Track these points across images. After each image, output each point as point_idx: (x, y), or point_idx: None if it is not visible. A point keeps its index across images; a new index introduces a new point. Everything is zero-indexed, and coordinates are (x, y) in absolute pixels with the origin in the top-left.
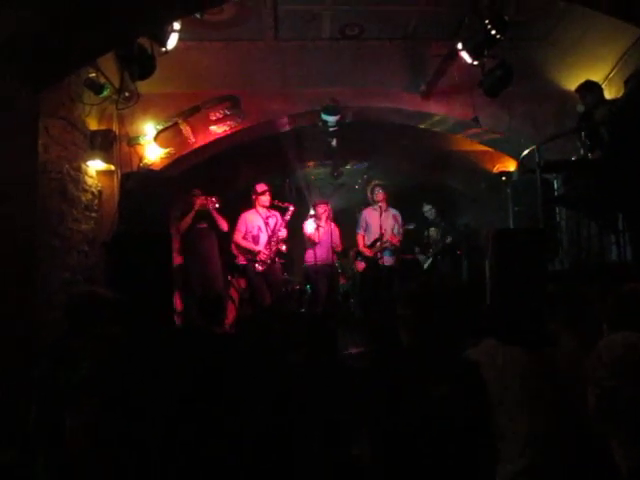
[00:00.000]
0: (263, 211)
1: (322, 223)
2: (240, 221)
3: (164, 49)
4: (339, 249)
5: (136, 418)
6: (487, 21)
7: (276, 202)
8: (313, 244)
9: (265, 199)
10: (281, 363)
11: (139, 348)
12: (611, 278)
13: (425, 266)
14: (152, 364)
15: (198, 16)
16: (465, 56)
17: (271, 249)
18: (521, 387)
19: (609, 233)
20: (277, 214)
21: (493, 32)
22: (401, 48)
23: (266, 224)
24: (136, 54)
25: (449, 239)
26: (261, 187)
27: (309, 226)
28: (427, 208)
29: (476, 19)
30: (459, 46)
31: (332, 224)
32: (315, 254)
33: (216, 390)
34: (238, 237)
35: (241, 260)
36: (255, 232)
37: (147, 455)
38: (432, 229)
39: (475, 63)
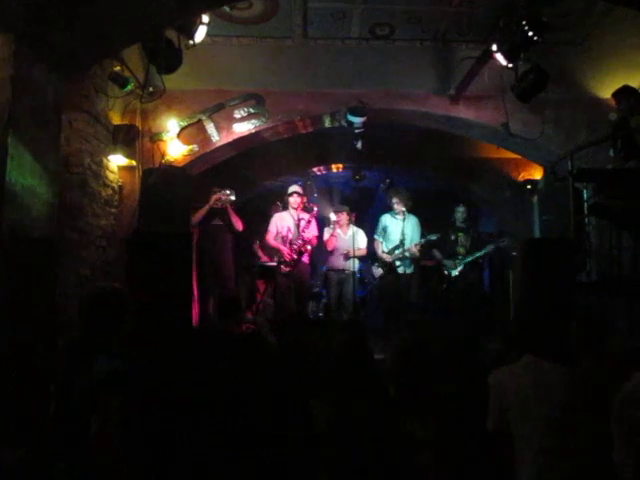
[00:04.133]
0: (295, 212)
1: (339, 231)
2: (272, 222)
3: (192, 42)
4: (361, 253)
5: (157, 416)
6: (524, 22)
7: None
8: (328, 251)
9: (293, 201)
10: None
11: (159, 347)
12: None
13: (454, 273)
14: (171, 364)
15: (227, 9)
16: (500, 58)
17: (292, 249)
18: (538, 413)
19: None
20: (308, 216)
21: (530, 33)
22: (431, 50)
23: (297, 225)
24: (163, 47)
25: (503, 242)
26: (291, 188)
27: (325, 233)
28: (461, 210)
29: (512, 20)
30: (494, 48)
31: (354, 229)
32: (329, 260)
33: (230, 391)
34: (269, 237)
35: (264, 260)
36: (284, 233)
37: (165, 454)
38: (460, 234)
39: (510, 66)
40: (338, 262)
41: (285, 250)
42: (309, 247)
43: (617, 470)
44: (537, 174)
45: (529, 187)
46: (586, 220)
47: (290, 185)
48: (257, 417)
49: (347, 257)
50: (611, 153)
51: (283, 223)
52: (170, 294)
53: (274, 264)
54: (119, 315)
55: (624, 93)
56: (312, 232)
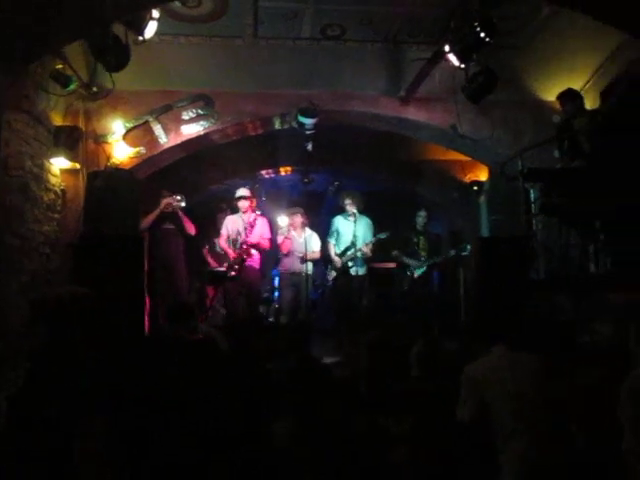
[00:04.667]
0: (245, 216)
1: (294, 233)
2: (224, 224)
3: (141, 38)
4: (314, 257)
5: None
6: (476, 23)
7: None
8: (282, 254)
9: (241, 205)
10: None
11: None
12: (587, 288)
13: (417, 274)
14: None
15: (178, 4)
16: (453, 59)
17: (237, 253)
18: (519, 402)
19: (589, 243)
20: (259, 219)
21: (482, 35)
22: (382, 51)
23: (246, 229)
24: (110, 44)
25: (464, 248)
26: (238, 193)
27: (279, 236)
28: (423, 214)
29: (464, 22)
30: (446, 48)
31: (308, 232)
32: (283, 263)
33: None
34: (221, 240)
35: (213, 265)
36: (234, 236)
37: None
38: (421, 238)
39: (462, 67)
40: (294, 265)
41: (232, 254)
42: (253, 252)
43: (626, 458)
44: (483, 175)
45: (475, 188)
46: (534, 219)
47: (238, 189)
48: (208, 422)
49: (303, 260)
50: (556, 154)
51: (234, 226)
52: (121, 298)
53: (223, 269)
54: (94, 319)
55: (569, 96)
56: (261, 234)
